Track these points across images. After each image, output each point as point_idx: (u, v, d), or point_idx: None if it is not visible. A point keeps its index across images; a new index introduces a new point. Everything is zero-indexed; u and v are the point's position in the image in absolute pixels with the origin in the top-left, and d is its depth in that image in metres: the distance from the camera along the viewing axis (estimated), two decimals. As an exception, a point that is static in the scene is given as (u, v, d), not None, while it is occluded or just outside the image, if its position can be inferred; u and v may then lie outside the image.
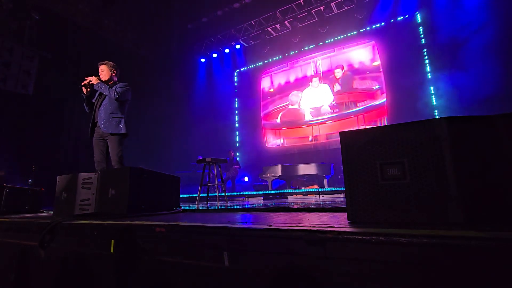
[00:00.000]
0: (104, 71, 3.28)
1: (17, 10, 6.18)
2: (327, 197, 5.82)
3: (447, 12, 6.60)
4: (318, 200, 5.09)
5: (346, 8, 7.86)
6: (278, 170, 7.21)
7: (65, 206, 2.26)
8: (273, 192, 6.73)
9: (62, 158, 6.71)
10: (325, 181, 6.98)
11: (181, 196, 6.88)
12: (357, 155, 1.16)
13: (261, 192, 6.93)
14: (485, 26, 5.88)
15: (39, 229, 1.66)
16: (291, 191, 6.62)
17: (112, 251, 1.40)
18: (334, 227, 0.96)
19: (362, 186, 1.13)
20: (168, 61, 9.83)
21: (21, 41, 6.28)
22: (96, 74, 3.20)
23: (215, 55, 10.25)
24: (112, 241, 1.41)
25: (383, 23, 7.70)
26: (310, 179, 7.20)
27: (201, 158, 4.62)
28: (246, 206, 3.09)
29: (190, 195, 6.73)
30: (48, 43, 6.62)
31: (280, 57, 9.54)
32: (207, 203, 4.68)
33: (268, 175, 7.29)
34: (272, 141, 9.35)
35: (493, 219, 0.97)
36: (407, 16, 7.35)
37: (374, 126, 1.12)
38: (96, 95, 3.28)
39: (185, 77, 10.37)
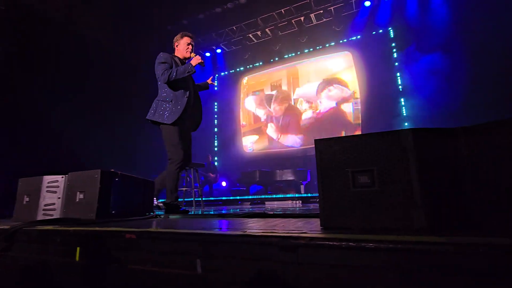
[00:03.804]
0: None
1: (-20, 0, 5.76)
2: (303, 203, 5.91)
3: (417, 29, 7.04)
4: (295, 206, 5.15)
5: (325, 20, 8.14)
6: (256, 175, 7.22)
7: (26, 211, 2.11)
8: (250, 197, 6.73)
9: (24, 159, 6.27)
10: (302, 187, 7.10)
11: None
12: (331, 163, 1.19)
13: (238, 198, 6.89)
14: (453, 43, 6.33)
15: (-5, 236, 1.53)
16: (269, 196, 6.65)
17: (77, 259, 1.32)
18: (307, 233, 0.97)
19: (335, 193, 1.16)
20: (147, 61, 9.59)
21: (-16, 33, 5.84)
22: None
23: (195, 58, 10.15)
24: (78, 248, 1.33)
25: (359, 36, 8.06)
26: (287, 185, 7.28)
27: (178, 162, 4.54)
28: (223, 212, 3.05)
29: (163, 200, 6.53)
30: (14, 35, 6.21)
31: (261, 63, 9.65)
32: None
33: (246, 180, 7.28)
34: (251, 146, 9.37)
35: (454, 225, 1.04)
36: (380, 31, 7.75)
37: (347, 135, 1.16)
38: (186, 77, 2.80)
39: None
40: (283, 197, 6.47)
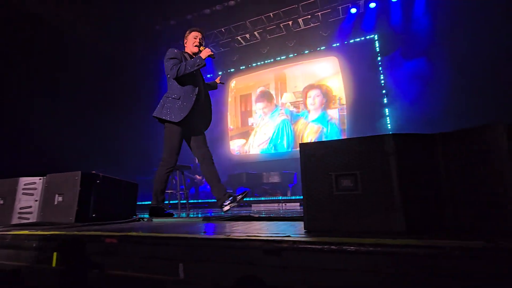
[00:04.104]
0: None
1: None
2: (289, 205, 5.94)
3: (401, 36, 7.28)
4: (281, 208, 5.17)
5: (312, 25, 8.26)
6: (243, 178, 7.21)
7: (0, 214, 2.01)
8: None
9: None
10: (289, 189, 7.14)
11: (141, 203, 6.54)
12: (315, 166, 1.21)
13: (224, 200, 6.85)
14: (435, 50, 6.58)
15: (-36, 241, 1.45)
16: (255, 199, 6.65)
17: (54, 265, 1.27)
18: (291, 236, 0.98)
19: (319, 197, 1.17)
20: (132, 60, 9.41)
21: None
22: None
23: (183, 59, 10.05)
24: (55, 253, 1.28)
25: (345, 42, 8.23)
26: (274, 187, 7.30)
27: (164, 163, 4.47)
28: (208, 215, 3.02)
29: (149, 203, 6.40)
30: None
31: (249, 66, 9.67)
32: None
33: (233, 183, 7.25)
34: (238, 149, 9.35)
35: (432, 228, 1.07)
36: (366, 37, 7.96)
37: (331, 140, 1.18)
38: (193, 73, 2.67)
39: (150, 78, 9.99)
40: (269, 200, 6.49)
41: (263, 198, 6.55)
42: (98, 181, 1.99)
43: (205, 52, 2.55)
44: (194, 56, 2.71)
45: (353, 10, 7.66)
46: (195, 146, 2.75)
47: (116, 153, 7.90)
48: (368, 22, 7.76)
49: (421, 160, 1.11)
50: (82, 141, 6.57)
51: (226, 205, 2.46)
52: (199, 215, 2.97)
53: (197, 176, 7.73)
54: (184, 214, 3.47)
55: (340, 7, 7.80)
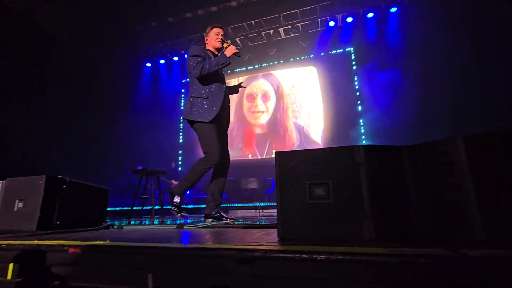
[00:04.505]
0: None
1: None
2: (266, 212, 5.95)
3: (376, 50, 7.66)
4: (258, 215, 5.16)
5: (292, 35, 8.47)
6: (220, 183, 7.12)
7: (-50, 221, 1.83)
8: (214, 206, 6.60)
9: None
10: (266, 195, 7.16)
11: (114, 209, 6.26)
12: (289, 175, 1.23)
13: (202, 206, 6.72)
14: (406, 64, 6.96)
15: None
16: (232, 205, 6.59)
17: (9, 277, 1.17)
18: (263, 245, 0.98)
19: (292, 205, 1.19)
20: (110, 61, 9.09)
21: None
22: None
23: (162, 62, 9.87)
24: (11, 265, 1.18)
25: (323, 53, 8.50)
26: (251, 194, 7.29)
27: (140, 167, 4.32)
28: (184, 221, 2.95)
29: (123, 208, 6.15)
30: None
31: (229, 72, 9.68)
32: (140, 218, 4.33)
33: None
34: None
35: (400, 236, 1.12)
36: (343, 50, 8.28)
37: (306, 149, 1.20)
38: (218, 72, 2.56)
39: (127, 80, 9.69)
40: (247, 206, 6.46)
41: (240, 205, 6.50)
42: (64, 186, 1.88)
43: (230, 50, 2.43)
44: (217, 52, 2.61)
45: (331, 23, 7.96)
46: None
47: (87, 157, 7.53)
48: (345, 35, 8.10)
49: (389, 170, 1.16)
50: (51, 143, 6.20)
51: (209, 219, 2.37)
52: (174, 222, 2.89)
53: (173, 181, 7.54)
54: (157, 221, 3.36)
55: (319, 20, 8.07)
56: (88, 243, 1.13)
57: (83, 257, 1.10)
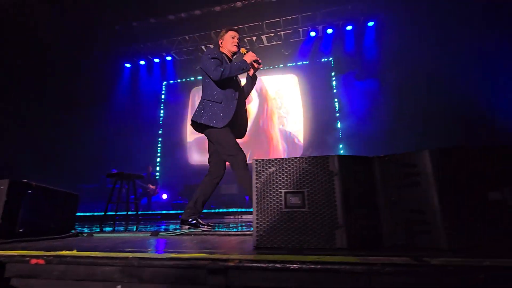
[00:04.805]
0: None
1: None
2: (245, 217, 5.92)
3: (354, 60, 7.97)
4: (237, 221, 5.13)
5: (275, 43, 8.62)
6: (199, 188, 7.01)
7: None
8: (192, 211, 6.47)
9: None
10: (245, 201, 7.13)
11: (85, 214, 5.95)
12: (266, 183, 1.24)
13: (179, 212, 6.57)
14: (383, 75, 7.28)
15: None
16: (211, 211, 6.50)
17: (-40, 291, 1.08)
18: (238, 254, 0.97)
19: (268, 213, 1.19)
20: (87, 59, 8.74)
21: None
22: None
23: (142, 63, 9.65)
24: (-38, 278, 1.09)
25: (304, 62, 8.71)
26: (231, 199, 7.24)
27: (115, 171, 4.15)
28: (158, 229, 2.87)
29: (95, 214, 5.88)
30: None
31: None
32: (113, 224, 4.15)
33: (189, 193, 7.02)
34: (196, 158, 9.13)
35: (370, 245, 1.15)
36: (322, 59, 8.54)
37: (283, 158, 1.22)
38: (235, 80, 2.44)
39: (105, 80, 9.35)
40: (226, 212, 6.40)
41: (219, 210, 6.43)
42: (29, 191, 1.77)
43: (250, 57, 2.32)
44: (231, 57, 2.51)
45: (312, 34, 8.19)
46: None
47: (60, 160, 7.15)
48: (325, 45, 8.36)
49: (362, 180, 1.20)
50: (20, 145, 5.83)
51: (186, 226, 2.28)
52: (149, 228, 2.80)
53: (150, 186, 7.33)
54: (134, 228, 3.24)
55: (300, 29, 8.28)
56: (52, 253, 1.07)
57: (46, 269, 1.04)
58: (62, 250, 1.12)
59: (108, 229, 3.02)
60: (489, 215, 1.01)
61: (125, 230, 2.84)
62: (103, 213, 4.01)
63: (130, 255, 1.01)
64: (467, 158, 1.09)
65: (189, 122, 9.54)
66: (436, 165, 1.09)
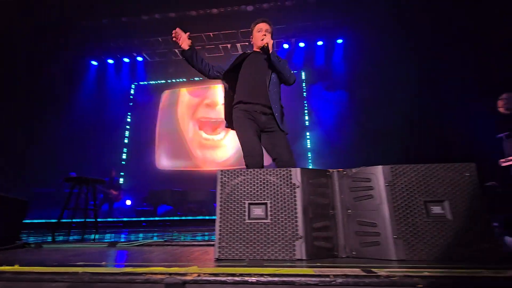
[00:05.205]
0: (270, 34, 2.11)
1: None
2: (213, 226, 5.82)
3: (323, 73, 8.35)
4: (205, 229, 5.02)
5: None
6: (166, 195, 6.79)
7: None
8: (157, 219, 6.23)
9: None
10: (214, 208, 7.02)
11: (38, 221, 5.45)
12: (231, 194, 1.24)
13: (143, 219, 6.29)
14: (350, 90, 7.67)
15: None
16: (178, 218, 6.30)
17: None
18: (197, 267, 0.96)
19: (232, 224, 1.20)
20: (52, 55, 8.15)
21: None
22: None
23: (111, 61, 9.22)
24: None
25: (277, 72, 8.94)
26: (199, 206, 7.08)
27: (74, 175, 3.87)
28: (118, 238, 2.72)
29: (49, 221, 5.41)
30: None
31: (185, 80, 9.49)
32: (69, 233, 3.86)
33: (154, 200, 6.76)
34: (164, 163, 8.84)
35: (327, 255, 1.20)
36: (295, 71, 8.82)
37: (248, 169, 1.24)
38: (246, 65, 2.12)
39: (68, 77, 8.77)
40: (193, 219, 6.24)
41: (185, 218, 6.26)
42: (-32, 198, 1.59)
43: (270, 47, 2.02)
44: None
45: (286, 46, 8.46)
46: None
47: (15, 162, 6.51)
48: (297, 58, 8.66)
49: (322, 193, 1.26)
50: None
51: None
52: (108, 237, 2.65)
53: (113, 191, 6.93)
54: (92, 236, 3.04)
55: (274, 41, 8.47)
56: (-10, 268, 0.97)
57: (-19, 286, 0.94)
58: (1, 265, 1.02)
59: (62, 238, 2.80)
60: (431, 227, 1.10)
61: (82, 240, 2.66)
62: (56, 220, 3.70)
63: (81, 269, 0.95)
64: (415, 174, 1.18)
65: (159, 125, 9.27)
66: (387, 180, 1.17)
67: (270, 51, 1.95)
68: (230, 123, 2.04)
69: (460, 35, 5.76)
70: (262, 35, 2.09)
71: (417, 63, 6.47)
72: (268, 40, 1.97)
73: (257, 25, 2.17)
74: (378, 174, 1.19)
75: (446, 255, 1.07)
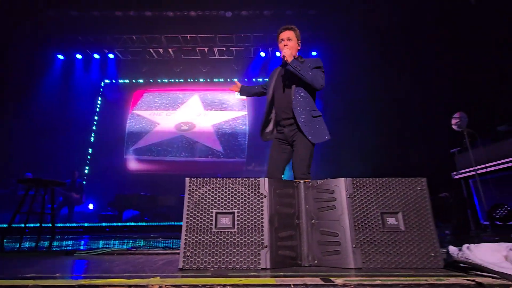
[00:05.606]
0: (293, 41, 2.07)
1: None
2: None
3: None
4: (173, 235, 4.88)
5: (226, 57, 8.78)
6: (133, 199, 6.52)
7: None
8: (121, 224, 5.95)
9: None
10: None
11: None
12: (199, 202, 1.24)
13: (106, 224, 5.97)
14: (327, 98, 7.92)
15: None
16: (144, 224, 6.06)
17: None
18: (159, 278, 0.95)
19: (198, 233, 1.19)
20: (15, 48, 7.53)
21: None
22: None
23: (79, 56, 8.75)
24: None
25: (253, 79, 9.04)
26: (168, 211, 6.87)
27: (30, 176, 3.58)
28: (77, 246, 2.56)
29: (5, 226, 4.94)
30: None
31: (159, 81, 9.26)
32: (21, 240, 3.55)
33: (120, 204, 6.45)
34: (133, 166, 8.50)
35: (291, 265, 1.24)
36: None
37: (216, 178, 1.25)
38: (277, 79, 2.12)
39: (30, 70, 8.15)
40: (161, 225, 6.04)
41: (153, 224, 6.04)
42: None
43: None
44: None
45: (262, 54, 8.62)
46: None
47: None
48: (274, 66, 8.82)
49: (288, 204, 1.30)
50: None
51: None
52: (66, 245, 2.48)
53: (74, 194, 6.51)
54: (46, 243, 2.82)
55: (252, 48, 8.62)
56: None
57: None
58: None
59: (13, 245, 2.57)
60: (386, 238, 1.19)
61: (35, 248, 2.47)
62: (7, 225, 3.40)
63: (31, 282, 0.89)
64: (373, 187, 1.27)
65: (129, 125, 8.90)
66: (349, 192, 1.24)
67: (289, 61, 1.96)
68: (262, 133, 2.12)
69: (424, 55, 6.22)
70: (282, 45, 2.10)
71: (383, 79, 6.83)
72: (285, 52, 1.99)
73: (279, 36, 2.16)
74: (341, 186, 1.25)
75: (398, 264, 1.15)
